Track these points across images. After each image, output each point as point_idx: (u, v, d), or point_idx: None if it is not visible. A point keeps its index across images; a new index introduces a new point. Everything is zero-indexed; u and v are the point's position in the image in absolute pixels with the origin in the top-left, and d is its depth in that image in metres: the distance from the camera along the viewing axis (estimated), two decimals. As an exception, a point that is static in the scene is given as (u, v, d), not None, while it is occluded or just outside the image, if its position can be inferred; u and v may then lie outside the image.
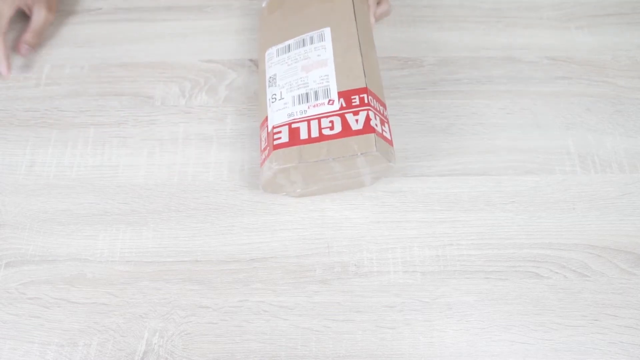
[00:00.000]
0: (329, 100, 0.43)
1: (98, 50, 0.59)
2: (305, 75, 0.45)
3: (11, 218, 0.49)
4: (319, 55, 0.46)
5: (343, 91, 0.43)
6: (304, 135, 0.42)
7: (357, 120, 0.42)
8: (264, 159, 0.44)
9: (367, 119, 0.42)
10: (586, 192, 0.50)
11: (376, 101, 0.44)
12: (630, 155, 0.51)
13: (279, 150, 0.42)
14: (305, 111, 0.43)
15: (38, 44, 0.58)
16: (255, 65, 0.57)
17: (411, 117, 0.54)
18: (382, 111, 0.44)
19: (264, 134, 0.45)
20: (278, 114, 0.44)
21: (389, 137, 0.44)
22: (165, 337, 0.43)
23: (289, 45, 0.48)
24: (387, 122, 0.45)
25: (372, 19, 0.53)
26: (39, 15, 0.57)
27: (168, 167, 0.51)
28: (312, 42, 0.47)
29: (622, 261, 0.46)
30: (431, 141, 0.52)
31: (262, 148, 0.45)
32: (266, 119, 0.45)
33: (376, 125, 0.42)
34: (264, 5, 0.53)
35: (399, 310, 0.44)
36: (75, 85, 0.56)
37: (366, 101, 0.42)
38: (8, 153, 0.52)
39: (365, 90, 0.43)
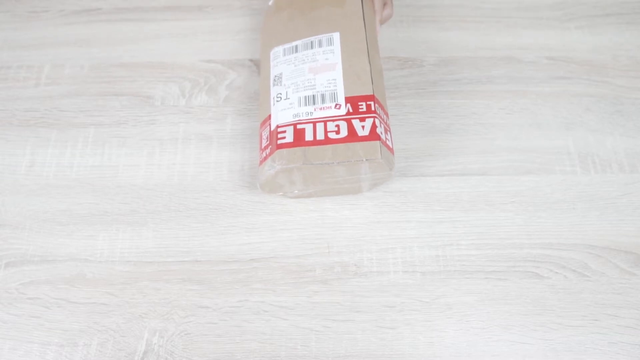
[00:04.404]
0: (336, 105, 0.43)
1: (98, 50, 0.59)
2: (312, 77, 0.45)
3: (11, 218, 0.49)
4: (327, 59, 0.46)
5: (350, 97, 0.44)
6: (309, 136, 0.42)
7: (363, 127, 0.42)
8: (265, 157, 0.44)
9: (374, 126, 0.42)
10: (586, 192, 0.50)
11: (381, 109, 0.44)
12: (630, 155, 0.51)
13: (282, 149, 0.42)
14: (312, 113, 0.43)
15: None
16: (256, 65, 0.57)
17: (411, 117, 0.54)
18: (385, 119, 0.45)
19: (266, 132, 0.45)
20: (283, 114, 0.44)
21: (391, 146, 0.44)
22: (165, 337, 0.43)
23: (296, 46, 0.48)
24: (390, 131, 0.45)
25: (378, 26, 0.53)
26: None
27: (168, 167, 0.51)
28: (320, 45, 0.47)
29: (622, 261, 0.46)
30: (431, 141, 0.52)
31: (263, 146, 0.45)
32: (269, 117, 0.45)
33: (381, 133, 0.42)
34: (270, 3, 0.53)
35: (399, 310, 0.44)
36: (75, 85, 0.56)
37: (373, 108, 0.43)
38: (8, 153, 0.52)
39: (372, 97, 0.43)
